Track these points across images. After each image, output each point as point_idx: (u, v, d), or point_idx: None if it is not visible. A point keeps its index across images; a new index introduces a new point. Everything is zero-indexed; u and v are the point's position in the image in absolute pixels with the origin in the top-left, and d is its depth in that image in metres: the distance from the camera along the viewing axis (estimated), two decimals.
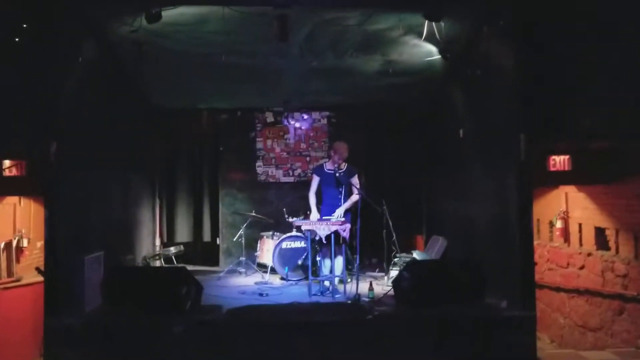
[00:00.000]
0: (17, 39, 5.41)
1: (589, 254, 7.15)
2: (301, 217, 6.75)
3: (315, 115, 9.13)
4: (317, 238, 6.62)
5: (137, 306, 4.83)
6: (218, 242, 9.02)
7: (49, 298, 5.18)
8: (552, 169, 6.52)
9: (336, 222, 6.39)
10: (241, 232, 8.05)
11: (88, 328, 4.83)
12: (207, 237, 9.19)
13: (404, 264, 6.34)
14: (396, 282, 5.38)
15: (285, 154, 9.10)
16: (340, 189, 6.63)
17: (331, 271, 6.54)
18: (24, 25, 5.41)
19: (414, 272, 5.18)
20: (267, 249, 7.83)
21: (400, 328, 4.84)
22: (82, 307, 5.29)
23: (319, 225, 6.40)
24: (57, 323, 4.98)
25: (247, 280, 7.52)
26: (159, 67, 6.90)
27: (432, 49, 6.62)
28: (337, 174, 6.65)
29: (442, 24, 5.81)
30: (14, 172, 6.16)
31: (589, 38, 5.57)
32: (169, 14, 5.64)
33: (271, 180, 9.08)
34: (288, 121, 9.09)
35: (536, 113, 5.55)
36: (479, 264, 5.42)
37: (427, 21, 5.86)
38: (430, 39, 6.33)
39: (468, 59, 6.46)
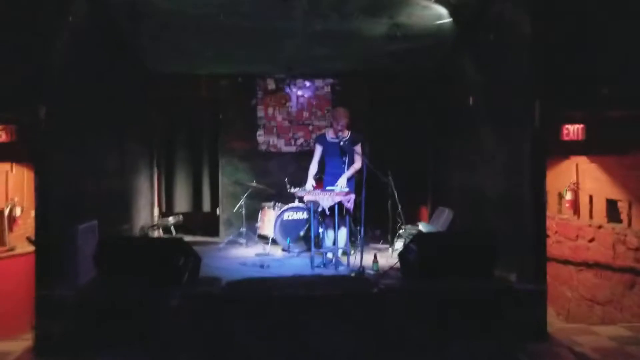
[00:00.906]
0: None
1: (600, 227, 6.94)
2: (303, 188, 6.50)
3: (319, 82, 8.83)
4: (319, 209, 6.40)
5: (132, 277, 4.61)
6: (218, 212, 8.81)
7: (40, 269, 4.98)
8: (565, 138, 6.27)
9: (340, 193, 6.15)
10: (242, 202, 7.84)
11: (80, 300, 4.63)
12: (207, 207, 8.99)
13: (410, 236, 6.13)
14: (402, 255, 5.17)
15: (287, 122, 8.82)
16: (344, 158, 6.36)
17: (334, 243, 6.35)
18: None
19: (421, 244, 4.95)
20: (269, 220, 7.64)
21: (407, 302, 4.64)
22: (76, 278, 5.10)
23: (322, 195, 6.17)
24: (48, 294, 4.79)
25: (248, 252, 7.34)
26: (155, 29, 6.60)
27: (443, 11, 6.33)
28: (341, 142, 6.39)
29: None
30: (3, 137, 5.93)
31: (608, 3, 5.27)
32: None
33: (273, 149, 8.82)
34: (290, 88, 8.80)
35: (552, 80, 5.27)
36: (489, 235, 5.20)
37: None
38: (440, 1, 6.05)
39: (480, 23, 6.15)
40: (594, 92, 5.34)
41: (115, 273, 4.69)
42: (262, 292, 4.63)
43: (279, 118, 8.80)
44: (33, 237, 5.30)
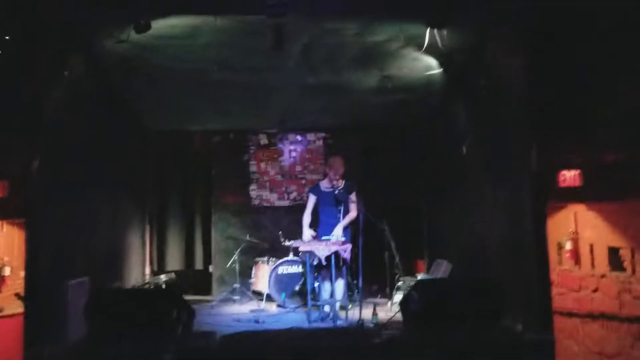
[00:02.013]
0: None
1: (603, 276, 6.78)
2: (301, 239, 6.39)
3: (311, 136, 8.86)
4: (315, 262, 6.26)
5: (124, 332, 4.42)
6: (210, 269, 8.62)
7: (28, 327, 4.80)
8: (562, 185, 6.23)
9: (336, 242, 6.04)
10: (235, 257, 7.68)
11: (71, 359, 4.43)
12: (199, 264, 8.80)
13: (410, 286, 5.98)
14: (404, 304, 5.01)
15: (279, 177, 8.79)
16: (339, 208, 6.28)
17: (331, 295, 6.17)
18: (6, 37, 5.11)
19: (423, 292, 4.82)
20: (263, 275, 7.46)
21: (410, 353, 4.46)
22: (65, 336, 4.91)
23: (317, 245, 6.05)
24: (37, 354, 4.58)
25: (242, 308, 7.13)
26: (150, 85, 6.62)
27: (432, 62, 6.41)
28: (336, 192, 6.32)
29: (445, 32, 5.58)
30: None
31: (602, 45, 5.33)
32: (160, 25, 5.38)
33: (265, 204, 8.75)
34: (282, 143, 8.81)
35: (546, 124, 5.28)
36: (492, 283, 5.07)
37: (428, 31, 5.64)
38: (430, 51, 6.11)
39: (471, 70, 6.22)
40: (589, 135, 5.32)
41: (106, 326, 4.49)
42: (258, 345, 4.43)
43: (272, 172, 8.78)
44: (22, 294, 5.10)
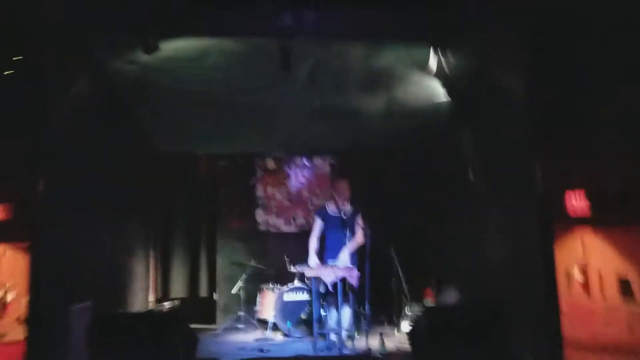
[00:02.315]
0: (5, 72, 5.10)
1: (613, 307, 6.66)
2: (307, 264, 6.29)
3: (318, 161, 8.81)
4: (322, 290, 6.15)
5: (126, 357, 4.32)
6: (215, 297, 8.48)
7: (30, 351, 4.71)
8: (568, 210, 6.14)
9: (343, 268, 5.93)
10: (240, 283, 7.57)
11: None
12: (203, 292, 8.64)
13: (419, 315, 5.85)
14: (413, 332, 4.89)
15: (286, 202, 8.71)
16: (346, 232, 6.18)
17: (338, 323, 6.04)
18: (14, 58, 5.12)
19: (433, 320, 4.70)
20: (268, 303, 7.32)
21: None
22: None
23: (324, 270, 5.94)
24: None
25: (247, 337, 6.98)
26: (157, 107, 6.64)
27: (438, 87, 6.41)
28: (343, 216, 6.24)
29: (449, 55, 5.59)
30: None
31: (606, 66, 5.29)
32: (168, 47, 5.42)
33: (272, 229, 8.65)
34: (289, 168, 8.76)
35: (550, 147, 5.22)
36: (502, 311, 4.93)
37: (432, 56, 5.66)
38: (435, 75, 6.12)
39: (476, 94, 6.20)
40: (595, 155, 5.25)
41: (108, 352, 4.39)
42: None
43: (278, 197, 8.71)
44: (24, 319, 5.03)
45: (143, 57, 5.37)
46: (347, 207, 6.37)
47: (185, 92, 6.37)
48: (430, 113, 6.98)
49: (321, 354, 5.69)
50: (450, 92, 6.44)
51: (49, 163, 5.05)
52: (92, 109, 5.83)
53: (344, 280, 5.89)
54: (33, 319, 4.79)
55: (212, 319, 8.33)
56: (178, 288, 8.62)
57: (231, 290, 7.85)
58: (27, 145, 5.08)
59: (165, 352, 4.40)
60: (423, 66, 5.94)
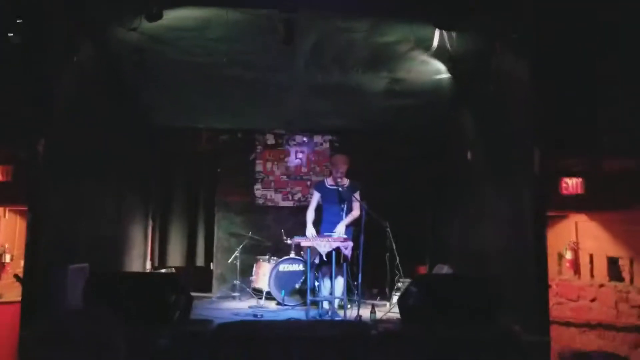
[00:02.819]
0: (10, 35, 5.15)
1: (601, 285, 6.79)
2: (304, 235, 6.40)
3: (318, 138, 8.88)
4: (316, 261, 6.27)
5: (120, 315, 4.42)
6: (212, 267, 8.62)
7: (26, 308, 4.81)
8: (564, 192, 6.23)
9: (338, 239, 6.05)
10: (236, 253, 7.70)
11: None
12: (200, 261, 8.78)
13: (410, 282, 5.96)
14: (402, 299, 5.01)
15: (285, 177, 8.80)
16: (343, 206, 6.30)
17: (331, 293, 6.17)
18: (19, 21, 5.18)
19: (423, 287, 4.81)
20: (263, 273, 7.45)
21: (407, 346, 4.45)
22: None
23: (319, 241, 6.06)
24: (33, 335, 4.58)
25: (241, 305, 7.13)
26: (159, 79, 6.68)
27: (441, 66, 6.45)
28: (340, 189, 6.34)
29: (453, 35, 5.63)
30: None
31: (608, 50, 5.36)
32: (171, 16, 5.45)
33: (270, 204, 8.75)
34: (289, 144, 8.84)
35: (551, 128, 5.31)
36: (492, 281, 5.05)
37: (436, 34, 5.69)
38: (439, 54, 6.16)
39: (478, 75, 6.26)
40: (594, 140, 5.34)
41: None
42: (254, 332, 4.43)
43: (277, 173, 8.79)
44: (21, 276, 5.13)
45: (145, 26, 5.40)
46: (345, 181, 6.46)
47: (186, 64, 6.41)
48: (431, 93, 7.04)
49: (313, 319, 5.81)
50: (453, 72, 6.48)
51: (50, 127, 5.12)
52: (94, 77, 5.91)
53: (338, 250, 6.00)
54: (30, 280, 4.87)
55: (208, 288, 8.46)
56: (175, 257, 8.73)
57: (228, 260, 7.98)
58: (28, 109, 5.16)
59: (160, 312, 4.50)
60: (427, 46, 5.98)
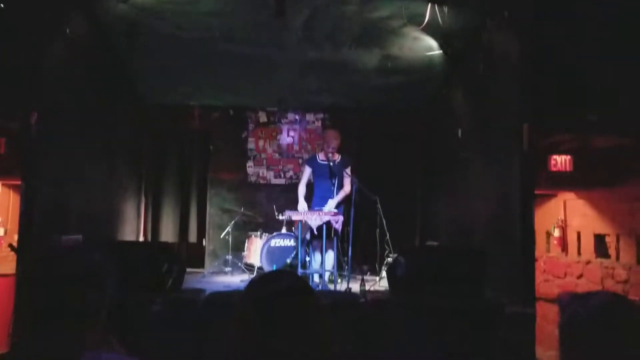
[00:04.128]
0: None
1: (588, 262, 6.90)
2: (296, 210, 6.47)
3: (310, 116, 8.92)
4: (307, 237, 6.34)
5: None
6: (204, 243, 8.68)
7: (20, 277, 4.84)
8: (553, 169, 6.31)
9: (328, 212, 6.12)
10: (228, 229, 7.76)
11: None
12: (193, 237, 8.84)
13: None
14: (390, 269, 5.09)
15: (277, 155, 8.85)
16: (334, 181, 6.35)
17: (321, 266, 6.25)
18: None
19: (411, 257, 4.89)
20: (255, 249, 7.52)
21: (394, 314, 4.54)
22: None
23: (310, 215, 6.12)
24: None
25: (233, 279, 7.19)
26: (150, 54, 6.68)
27: (433, 43, 6.48)
28: (331, 164, 6.39)
29: (445, 11, 5.66)
30: None
31: (599, 29, 5.40)
32: None
33: (262, 181, 8.81)
34: (281, 122, 8.87)
35: (540, 105, 5.36)
36: (479, 253, 5.13)
37: (428, 9, 5.71)
38: (431, 31, 6.18)
39: (470, 53, 6.30)
40: (582, 117, 5.41)
41: None
42: None
43: (269, 150, 8.83)
44: (15, 245, 5.17)
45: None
46: (336, 157, 6.50)
47: (178, 39, 6.40)
48: (423, 70, 7.07)
49: None
50: (444, 49, 6.51)
51: (42, 100, 5.14)
52: (85, 50, 5.90)
53: (328, 224, 6.06)
54: (24, 246, 4.91)
55: (200, 263, 8.53)
56: (168, 233, 8.78)
57: (220, 236, 8.05)
58: (21, 79, 5.16)
59: (153, 280, 4.56)
60: (419, 21, 6.00)
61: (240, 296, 1.44)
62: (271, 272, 1.51)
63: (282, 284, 1.39)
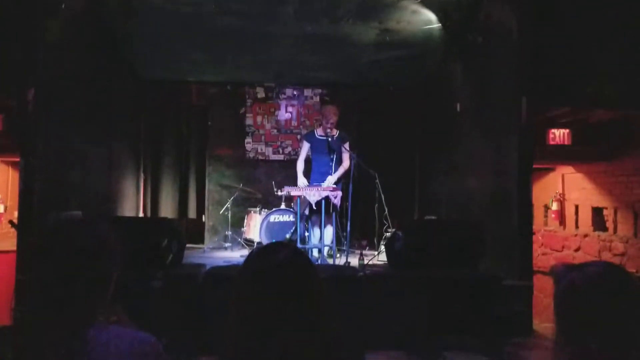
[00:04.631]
0: None
1: (586, 236, 6.96)
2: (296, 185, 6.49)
3: (308, 92, 8.88)
4: (306, 212, 6.36)
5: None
6: (203, 219, 8.72)
7: (21, 252, 4.89)
8: (551, 142, 6.33)
9: (327, 188, 6.13)
10: (227, 205, 7.78)
11: None
12: (192, 213, 8.87)
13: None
14: (389, 243, 5.13)
15: (275, 131, 8.83)
16: (332, 156, 6.35)
17: (320, 240, 6.29)
18: None
19: (409, 231, 4.92)
20: (254, 224, 7.55)
21: (392, 287, 4.59)
22: None
23: (309, 190, 6.14)
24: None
25: (233, 254, 7.24)
26: (147, 28, 6.63)
27: (431, 16, 6.43)
28: (329, 140, 6.38)
29: None
30: None
31: (598, 1, 5.37)
32: None
33: (260, 157, 8.80)
34: (279, 97, 8.84)
35: (538, 79, 5.35)
36: (477, 227, 5.15)
37: None
38: (429, 4, 6.15)
39: (468, 26, 6.26)
40: (580, 90, 5.40)
41: None
42: None
43: (268, 126, 8.81)
44: (16, 222, 5.20)
45: None
46: (335, 133, 6.50)
47: (174, 14, 6.34)
48: (422, 44, 7.03)
49: None
50: (443, 22, 6.47)
51: (38, 76, 5.12)
52: (82, 25, 5.86)
53: (327, 200, 6.08)
54: (24, 223, 4.94)
55: (200, 239, 8.57)
56: (167, 209, 8.79)
57: (219, 212, 8.08)
58: (18, 55, 5.14)
59: (154, 256, 4.59)
60: None
61: (239, 268, 1.46)
62: (270, 244, 1.52)
63: (281, 256, 1.40)
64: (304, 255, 1.48)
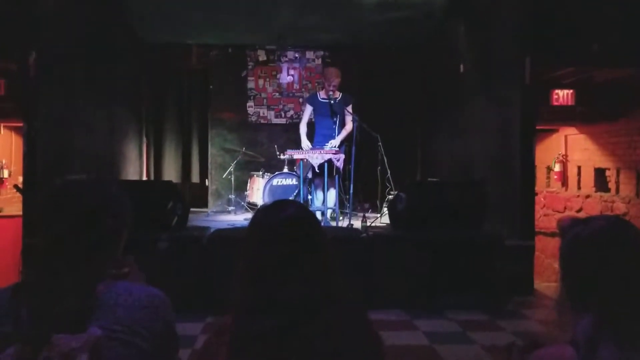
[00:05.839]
0: None
1: (588, 196, 6.99)
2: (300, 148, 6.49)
3: (310, 54, 8.80)
4: (309, 175, 6.37)
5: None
6: (207, 183, 8.75)
7: (27, 217, 4.94)
8: (555, 103, 6.30)
9: (330, 151, 6.13)
10: (230, 169, 7.81)
11: None
12: (195, 178, 8.90)
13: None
14: (391, 205, 5.16)
15: (277, 94, 8.78)
16: (335, 119, 6.32)
17: (323, 203, 6.32)
18: None
19: (412, 192, 4.94)
20: (257, 188, 7.58)
21: (394, 248, 4.64)
22: None
23: (311, 153, 6.14)
24: (35, 243, 4.72)
25: (236, 218, 7.30)
26: None
27: None
28: (332, 102, 6.35)
29: None
30: None
31: None
32: None
33: (262, 121, 8.77)
34: (281, 60, 8.77)
35: (542, 39, 5.30)
36: (480, 187, 5.16)
37: None
38: None
39: None
40: (584, 50, 5.35)
41: None
42: None
43: (269, 90, 8.76)
44: (21, 186, 5.24)
45: None
46: (337, 95, 6.46)
47: None
48: (425, 4, 6.93)
49: None
50: None
51: (39, 40, 5.08)
52: None
53: (330, 162, 6.09)
54: (29, 187, 4.97)
55: (204, 203, 8.62)
56: (170, 173, 8.81)
57: (222, 176, 8.11)
58: (17, 21, 5.10)
59: (158, 217, 4.63)
60: None
61: (248, 224, 1.48)
62: (278, 201, 1.54)
63: (289, 211, 1.42)
64: (310, 211, 1.50)
